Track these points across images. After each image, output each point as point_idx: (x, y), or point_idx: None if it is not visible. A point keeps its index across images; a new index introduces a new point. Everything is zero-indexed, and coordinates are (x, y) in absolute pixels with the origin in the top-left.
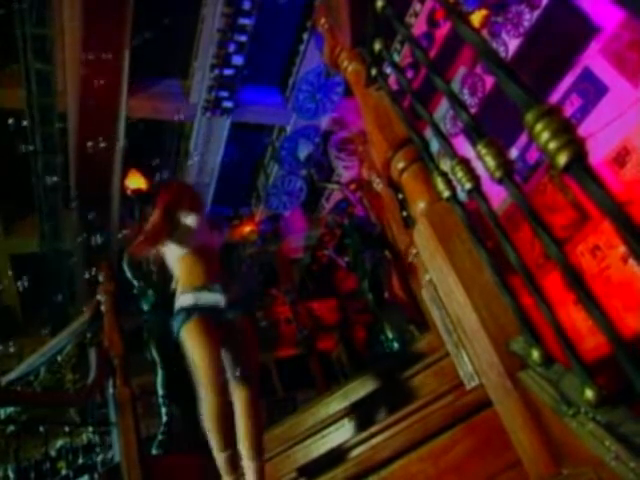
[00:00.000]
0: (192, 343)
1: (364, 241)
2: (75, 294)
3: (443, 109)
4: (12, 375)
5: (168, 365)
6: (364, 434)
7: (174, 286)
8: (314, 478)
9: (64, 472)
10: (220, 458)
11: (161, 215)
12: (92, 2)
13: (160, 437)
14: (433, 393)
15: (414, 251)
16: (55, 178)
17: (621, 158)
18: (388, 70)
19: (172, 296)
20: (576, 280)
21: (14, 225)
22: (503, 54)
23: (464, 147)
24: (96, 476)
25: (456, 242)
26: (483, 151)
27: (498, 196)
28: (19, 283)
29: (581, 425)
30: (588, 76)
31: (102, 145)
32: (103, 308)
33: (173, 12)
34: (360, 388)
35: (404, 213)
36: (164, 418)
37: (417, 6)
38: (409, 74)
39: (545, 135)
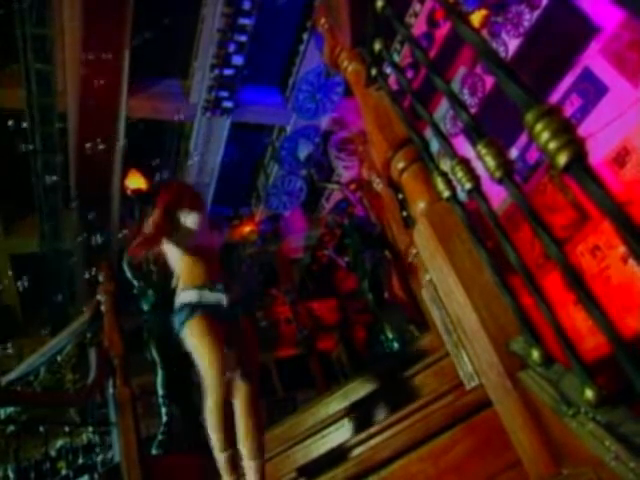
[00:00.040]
0: (196, 340)
1: (364, 241)
2: (75, 294)
3: (443, 109)
4: (12, 375)
5: (168, 365)
6: (364, 434)
7: (175, 284)
8: (314, 478)
9: (64, 472)
10: (221, 458)
11: (161, 214)
12: (92, 2)
13: (160, 437)
14: (433, 393)
15: (414, 251)
16: (55, 178)
17: (621, 158)
18: (388, 70)
19: (172, 296)
20: (576, 280)
21: (14, 225)
22: (503, 54)
23: (464, 147)
24: (96, 476)
25: (456, 242)
26: (483, 151)
27: (498, 196)
28: (19, 283)
29: (581, 425)
30: (588, 76)
31: (102, 145)
32: (103, 308)
33: (173, 12)
34: (360, 388)
35: (404, 213)
36: (164, 418)
37: (417, 6)
38: (409, 74)
39: (545, 135)
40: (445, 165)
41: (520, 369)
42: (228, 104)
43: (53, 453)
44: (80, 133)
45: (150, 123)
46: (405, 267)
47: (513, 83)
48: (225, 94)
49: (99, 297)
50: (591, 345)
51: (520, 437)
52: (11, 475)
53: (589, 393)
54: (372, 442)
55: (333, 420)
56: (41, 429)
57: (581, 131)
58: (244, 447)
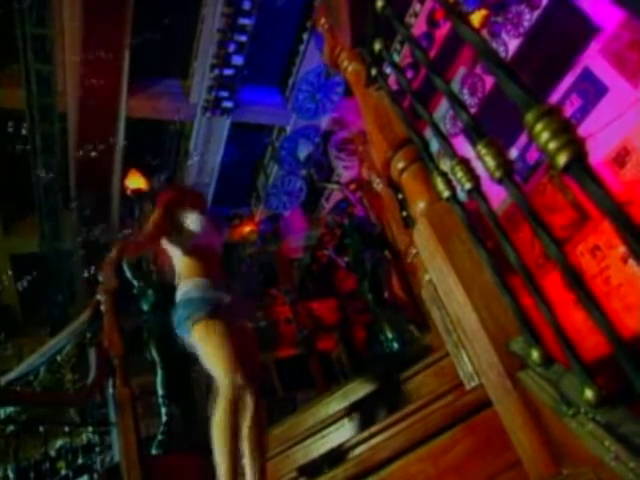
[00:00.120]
0: (208, 338)
1: (364, 241)
2: (75, 294)
3: (443, 109)
4: (12, 375)
5: (168, 365)
6: (364, 434)
7: (176, 283)
8: (314, 478)
9: (64, 472)
10: (224, 459)
11: (161, 214)
12: (92, 2)
13: (160, 437)
14: (433, 393)
15: (414, 251)
16: (55, 178)
17: (621, 158)
18: (388, 70)
19: (172, 295)
20: (576, 280)
21: (14, 225)
22: (503, 54)
23: (464, 147)
24: (96, 476)
25: (456, 242)
26: (483, 151)
27: (498, 196)
28: (19, 283)
29: (581, 425)
30: (588, 76)
31: (102, 145)
32: (103, 308)
33: (173, 12)
34: (360, 388)
35: (404, 213)
36: (164, 418)
37: (417, 6)
38: (409, 74)
39: (545, 135)
40: (445, 165)
41: (520, 369)
42: (228, 104)
43: (53, 453)
44: (80, 133)
45: (150, 123)
46: (405, 267)
47: (513, 83)
48: (225, 94)
49: (99, 297)
50: (591, 345)
51: (520, 437)
52: (11, 475)
53: (589, 393)
54: (372, 442)
55: (333, 420)
56: (41, 429)
57: (581, 131)
58: (247, 447)
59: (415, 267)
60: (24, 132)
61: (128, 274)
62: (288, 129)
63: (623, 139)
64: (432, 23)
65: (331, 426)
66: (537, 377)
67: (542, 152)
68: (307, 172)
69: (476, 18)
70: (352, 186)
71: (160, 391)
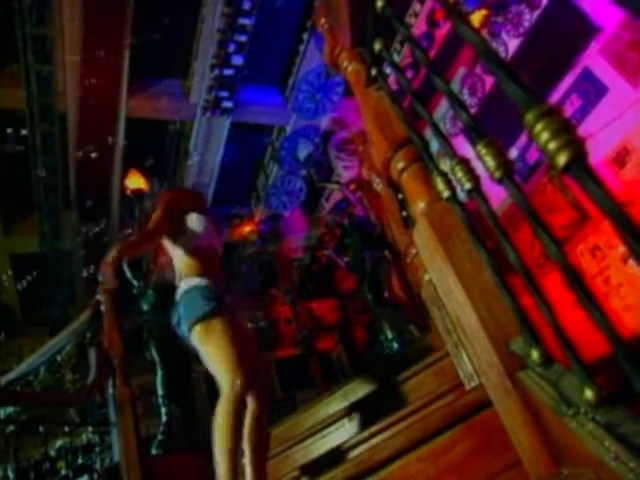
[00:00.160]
0: (212, 332)
1: (364, 241)
2: (75, 294)
3: (443, 109)
4: (11, 375)
5: (168, 365)
6: (364, 434)
7: (176, 282)
8: (314, 478)
9: (64, 472)
10: (224, 459)
11: (162, 213)
12: (92, 2)
13: (160, 437)
14: (433, 393)
15: (414, 251)
16: (55, 178)
17: (621, 158)
18: (388, 70)
19: (172, 296)
20: (576, 280)
21: (14, 225)
22: (503, 54)
23: (464, 147)
24: (95, 476)
25: (456, 242)
26: (483, 151)
27: (498, 196)
28: (19, 283)
29: (581, 425)
30: (588, 76)
31: (102, 145)
32: (103, 308)
33: (173, 12)
34: (360, 388)
35: (404, 213)
36: (164, 418)
37: (417, 6)
38: (409, 74)
39: (545, 135)
40: (445, 165)
41: (520, 369)
42: (228, 104)
43: (53, 453)
44: (80, 133)
45: (150, 123)
46: (405, 267)
47: (513, 83)
48: (225, 94)
49: (99, 297)
50: (591, 345)
51: (520, 437)
52: (11, 475)
53: (589, 393)
54: (372, 442)
55: (333, 420)
56: (41, 429)
57: (581, 131)
58: (248, 447)
59: (415, 267)
60: (24, 132)
61: (128, 274)
62: (288, 129)
63: (623, 139)
64: (432, 23)
65: (331, 426)
66: (537, 377)
67: (542, 152)
68: (307, 172)
69: (476, 18)
70: (352, 186)
71: (160, 391)
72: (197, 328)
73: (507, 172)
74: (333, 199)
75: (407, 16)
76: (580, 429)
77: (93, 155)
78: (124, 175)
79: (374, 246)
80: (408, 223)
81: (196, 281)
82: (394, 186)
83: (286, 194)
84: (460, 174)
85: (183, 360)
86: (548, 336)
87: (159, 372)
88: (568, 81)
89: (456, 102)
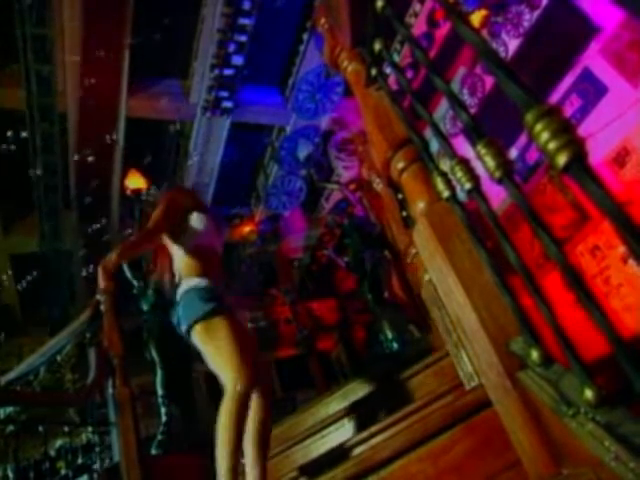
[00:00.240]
0: (215, 331)
1: (364, 241)
2: (75, 294)
3: (443, 109)
4: (11, 375)
5: (167, 365)
6: (364, 434)
7: (176, 280)
8: (313, 478)
9: (63, 472)
10: (225, 459)
11: (163, 212)
12: (92, 2)
13: (160, 437)
14: (433, 393)
15: (414, 251)
16: (55, 178)
17: (621, 158)
18: (388, 70)
19: (172, 295)
20: (576, 280)
21: (14, 225)
22: (503, 54)
23: (464, 147)
24: (95, 476)
25: (456, 242)
26: (483, 151)
27: (498, 196)
28: (19, 283)
29: (580, 425)
30: (588, 76)
31: (102, 145)
32: (102, 308)
33: (173, 12)
34: (359, 388)
35: (404, 213)
36: (163, 418)
37: (417, 6)
38: (409, 74)
39: (545, 135)
40: (445, 165)
41: (520, 369)
42: (228, 104)
43: (52, 453)
44: (80, 133)
45: (150, 123)
46: (405, 267)
47: (513, 83)
48: (225, 94)
49: (98, 297)
50: (591, 345)
51: (520, 437)
52: (10, 475)
53: (589, 393)
54: (372, 442)
55: (333, 420)
56: (40, 429)
57: (581, 131)
58: (251, 447)
59: (415, 267)
60: (24, 132)
61: (128, 274)
62: (288, 129)
63: (623, 139)
64: (432, 23)
65: (331, 426)
66: (537, 377)
67: (542, 152)
68: (307, 172)
69: (476, 18)
70: (352, 186)
71: (160, 391)
72: (197, 328)
73: (507, 172)
74: (333, 199)
75: (407, 16)
76: (580, 429)
77: (93, 155)
78: (124, 175)
79: (374, 246)
80: (408, 223)
81: (196, 282)
82: (394, 186)
83: (286, 194)
84: (460, 174)
85: (183, 360)
86: (548, 336)
87: (159, 372)
88: (568, 81)
89: (456, 102)
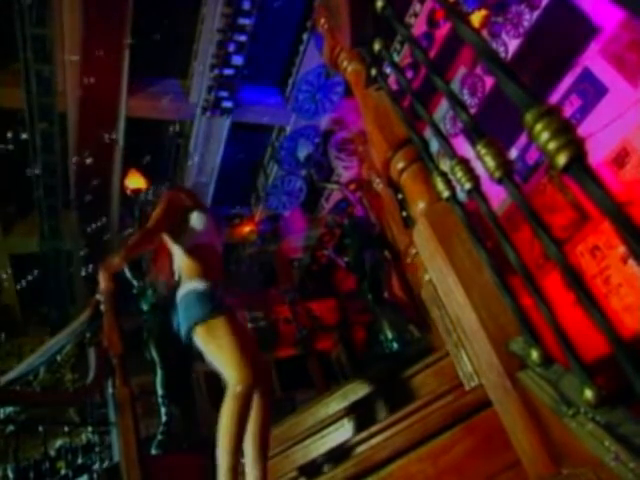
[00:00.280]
0: (217, 331)
1: (364, 241)
2: (75, 294)
3: (443, 109)
4: (11, 375)
5: (167, 365)
6: (363, 434)
7: (176, 278)
8: (313, 478)
9: (63, 472)
10: (226, 459)
11: (163, 210)
12: (92, 2)
13: (159, 437)
14: (433, 393)
15: (414, 251)
16: (55, 178)
17: (621, 159)
18: (388, 70)
19: (172, 295)
20: (576, 280)
21: (14, 225)
22: (503, 54)
23: (464, 147)
24: (95, 476)
25: (456, 242)
26: (483, 151)
27: (498, 196)
28: (18, 283)
29: (580, 425)
30: (588, 76)
31: (102, 145)
32: (102, 308)
33: (173, 12)
34: (359, 388)
35: (404, 213)
36: (163, 418)
37: (417, 6)
38: (409, 74)
39: (545, 135)
40: (445, 165)
41: (519, 369)
42: (228, 104)
43: (52, 453)
44: (80, 133)
45: (150, 123)
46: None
47: (513, 83)
48: (225, 94)
49: (98, 296)
50: (591, 345)
51: (519, 437)
52: (10, 475)
53: (588, 393)
54: (372, 442)
55: (332, 420)
56: (40, 429)
57: (581, 131)
58: (251, 447)
59: (415, 267)
60: (24, 132)
61: (128, 274)
62: (288, 129)
63: (623, 140)
64: (432, 23)
65: (330, 426)
66: (537, 377)
67: (542, 152)
68: (307, 172)
69: (476, 18)
70: (352, 186)
71: (160, 391)
72: (198, 330)
73: (507, 172)
74: (333, 199)
75: (407, 16)
76: (580, 429)
77: (93, 155)
78: (124, 175)
79: (374, 246)
80: (408, 223)
81: (195, 284)
82: (394, 186)
83: (286, 194)
84: (460, 174)
85: (183, 360)
86: (548, 336)
87: (159, 372)
88: (568, 81)
89: (456, 102)
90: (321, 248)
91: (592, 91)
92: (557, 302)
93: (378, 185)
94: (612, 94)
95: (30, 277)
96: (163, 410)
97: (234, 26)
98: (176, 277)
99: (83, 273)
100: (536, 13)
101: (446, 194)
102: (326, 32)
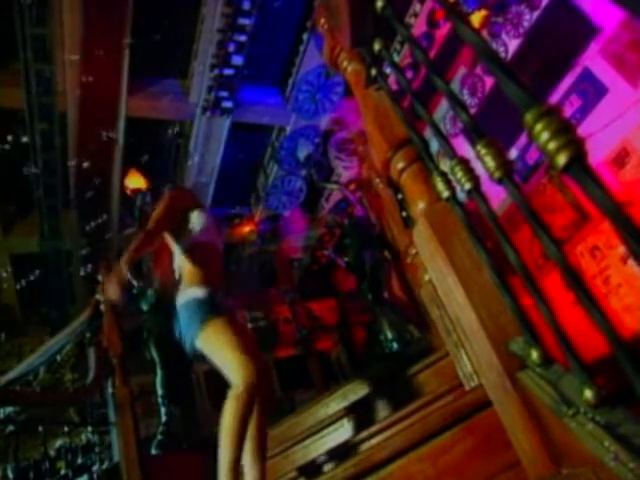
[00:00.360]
0: (221, 332)
1: (364, 241)
2: (75, 294)
3: (443, 109)
4: (11, 375)
5: (167, 365)
6: (363, 434)
7: (176, 281)
8: (313, 478)
9: (63, 472)
10: (227, 459)
11: (163, 210)
12: (92, 2)
13: (159, 437)
14: (432, 393)
15: (413, 251)
16: (54, 177)
17: (620, 159)
18: (388, 70)
19: (172, 295)
20: (575, 280)
21: (14, 225)
22: (503, 54)
23: (464, 147)
24: (95, 476)
25: (456, 242)
26: (483, 151)
27: (498, 196)
28: (18, 283)
29: (580, 425)
30: (588, 77)
31: (102, 144)
32: (102, 307)
33: (173, 12)
34: (359, 388)
35: (404, 213)
36: (163, 418)
37: (417, 6)
38: (409, 74)
39: (545, 135)
40: (445, 165)
41: (519, 369)
42: (228, 104)
43: (52, 453)
44: (80, 133)
45: (150, 123)
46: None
47: (513, 83)
48: (225, 94)
49: (98, 296)
50: (591, 345)
51: (519, 437)
52: (10, 475)
53: (588, 393)
54: (371, 442)
55: (332, 420)
56: (40, 429)
57: (581, 131)
58: (249, 448)
59: (415, 267)
60: (24, 132)
61: (128, 274)
62: (288, 129)
63: (623, 140)
64: (432, 23)
65: (330, 426)
66: (537, 377)
67: (542, 152)
68: (307, 172)
69: (476, 18)
70: (352, 186)
71: (160, 391)
72: (200, 336)
73: (507, 172)
74: (333, 199)
75: (407, 16)
76: (580, 429)
77: (93, 155)
78: (124, 175)
79: (374, 246)
80: (408, 223)
81: (195, 292)
82: (394, 186)
83: (286, 194)
84: (460, 174)
85: (183, 360)
86: (548, 336)
87: (159, 372)
88: (568, 81)
89: (456, 102)
90: (321, 248)
91: (592, 91)
92: (557, 302)
93: (378, 185)
94: (612, 94)
95: (30, 277)
96: (163, 410)
97: (234, 26)
98: (176, 276)
99: (82, 273)
100: (536, 13)
101: (446, 194)
102: (326, 32)
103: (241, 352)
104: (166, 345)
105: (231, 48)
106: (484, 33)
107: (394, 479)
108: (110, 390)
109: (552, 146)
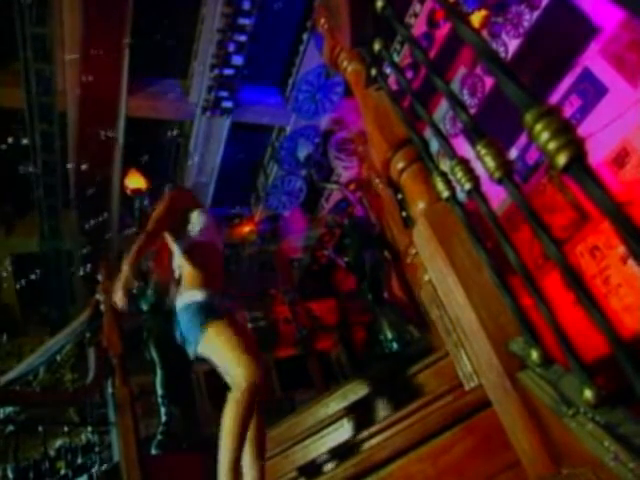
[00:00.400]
0: (225, 333)
1: (364, 241)
2: (75, 293)
3: (443, 109)
4: (11, 375)
5: (167, 365)
6: (363, 434)
7: (176, 281)
8: (313, 478)
9: (63, 472)
10: (227, 460)
11: (163, 209)
12: (92, 2)
13: (159, 437)
14: (432, 393)
15: (413, 251)
16: (54, 177)
17: (620, 159)
18: (388, 70)
19: (172, 295)
20: (575, 280)
21: (14, 225)
22: (503, 54)
23: (464, 147)
24: (95, 476)
25: (456, 242)
26: (483, 151)
27: (497, 196)
28: (18, 282)
29: (580, 425)
30: (588, 77)
31: (102, 144)
32: (102, 307)
33: (173, 12)
34: (359, 388)
35: (404, 213)
36: (163, 418)
37: (417, 6)
38: (409, 74)
39: (545, 135)
40: (445, 165)
41: (519, 369)
42: (228, 104)
43: (52, 453)
44: (80, 133)
45: (150, 123)
46: (404, 267)
47: (513, 83)
48: (225, 94)
49: (98, 296)
50: (591, 345)
51: (519, 437)
52: (10, 475)
53: (588, 393)
54: (371, 442)
55: (332, 420)
56: (40, 429)
57: (581, 131)
58: (248, 448)
59: (415, 267)
60: (24, 131)
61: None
62: (288, 129)
63: (623, 140)
64: (432, 23)
65: (330, 426)
66: (537, 377)
67: (542, 152)
68: (307, 172)
69: (476, 18)
70: (352, 186)
71: (159, 391)
72: (202, 339)
73: (507, 172)
74: (333, 199)
75: (407, 16)
76: (580, 429)
77: (93, 154)
78: (124, 175)
79: (374, 246)
80: (408, 223)
81: (194, 295)
82: (394, 186)
83: (286, 194)
84: (460, 174)
85: (183, 360)
86: (548, 336)
87: (159, 372)
88: (568, 81)
89: (456, 102)
90: (321, 248)
91: (592, 91)
92: (557, 302)
93: (378, 185)
94: (612, 94)
95: (30, 277)
96: (163, 410)
97: (234, 26)
98: (176, 275)
99: (82, 273)
100: (536, 13)
101: (446, 194)
102: (326, 32)
103: (242, 352)
104: (166, 345)
105: (231, 48)
106: (484, 33)
107: (394, 479)
108: (110, 390)
109: (552, 146)
